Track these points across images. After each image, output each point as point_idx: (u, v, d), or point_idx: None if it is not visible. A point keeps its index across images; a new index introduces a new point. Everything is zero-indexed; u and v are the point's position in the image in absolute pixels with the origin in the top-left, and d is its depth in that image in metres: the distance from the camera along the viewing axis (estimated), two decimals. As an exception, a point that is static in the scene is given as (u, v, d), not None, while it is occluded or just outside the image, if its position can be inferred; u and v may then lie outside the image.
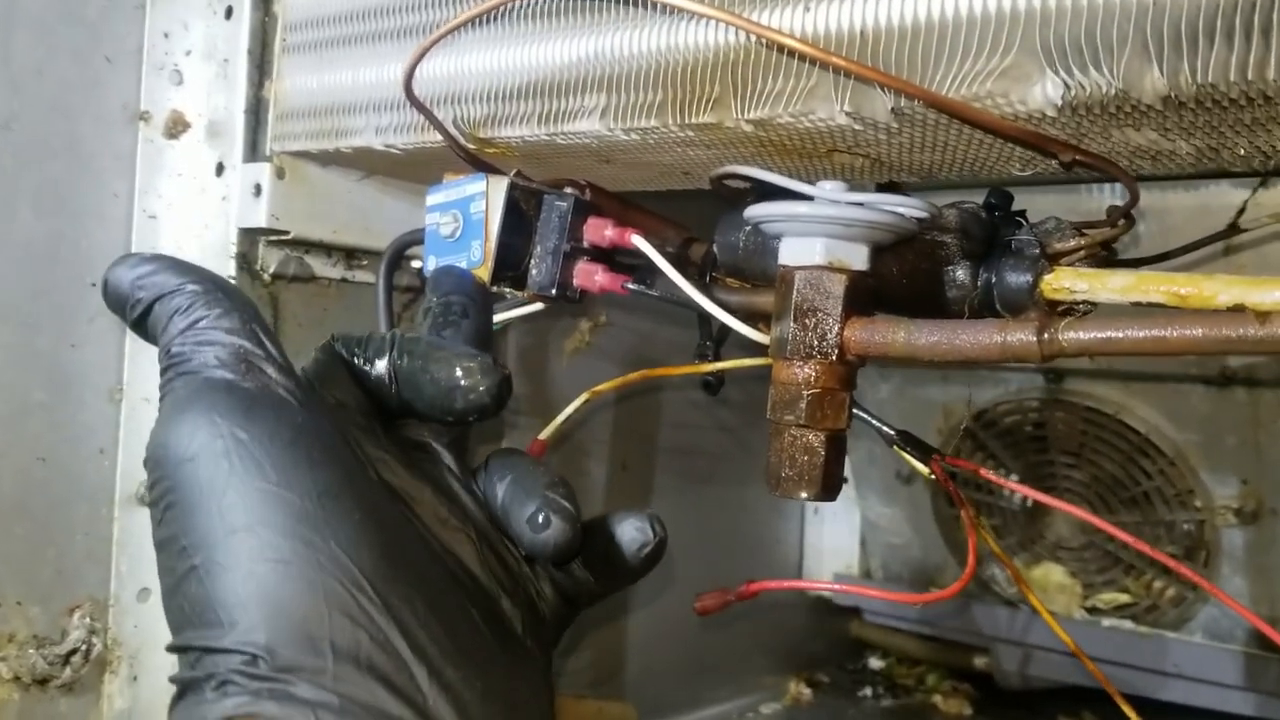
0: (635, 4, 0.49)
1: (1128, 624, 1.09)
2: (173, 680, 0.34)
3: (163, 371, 0.38)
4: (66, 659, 0.64)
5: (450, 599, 0.38)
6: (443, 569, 0.39)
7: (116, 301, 0.40)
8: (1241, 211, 0.77)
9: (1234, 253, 0.80)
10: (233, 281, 0.41)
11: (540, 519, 0.40)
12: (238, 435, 0.35)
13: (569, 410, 0.55)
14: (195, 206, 0.69)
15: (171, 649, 0.34)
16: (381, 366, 0.42)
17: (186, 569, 0.33)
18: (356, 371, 0.42)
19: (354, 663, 0.32)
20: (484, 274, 0.54)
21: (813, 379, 0.47)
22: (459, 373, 0.41)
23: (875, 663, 1.34)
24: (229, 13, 0.69)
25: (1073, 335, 0.43)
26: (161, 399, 0.37)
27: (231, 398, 0.36)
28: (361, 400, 0.42)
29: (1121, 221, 0.52)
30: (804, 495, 0.48)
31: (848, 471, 1.26)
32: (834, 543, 1.30)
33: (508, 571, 0.41)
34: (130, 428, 0.67)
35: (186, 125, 0.69)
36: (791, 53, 0.44)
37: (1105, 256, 0.54)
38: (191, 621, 0.33)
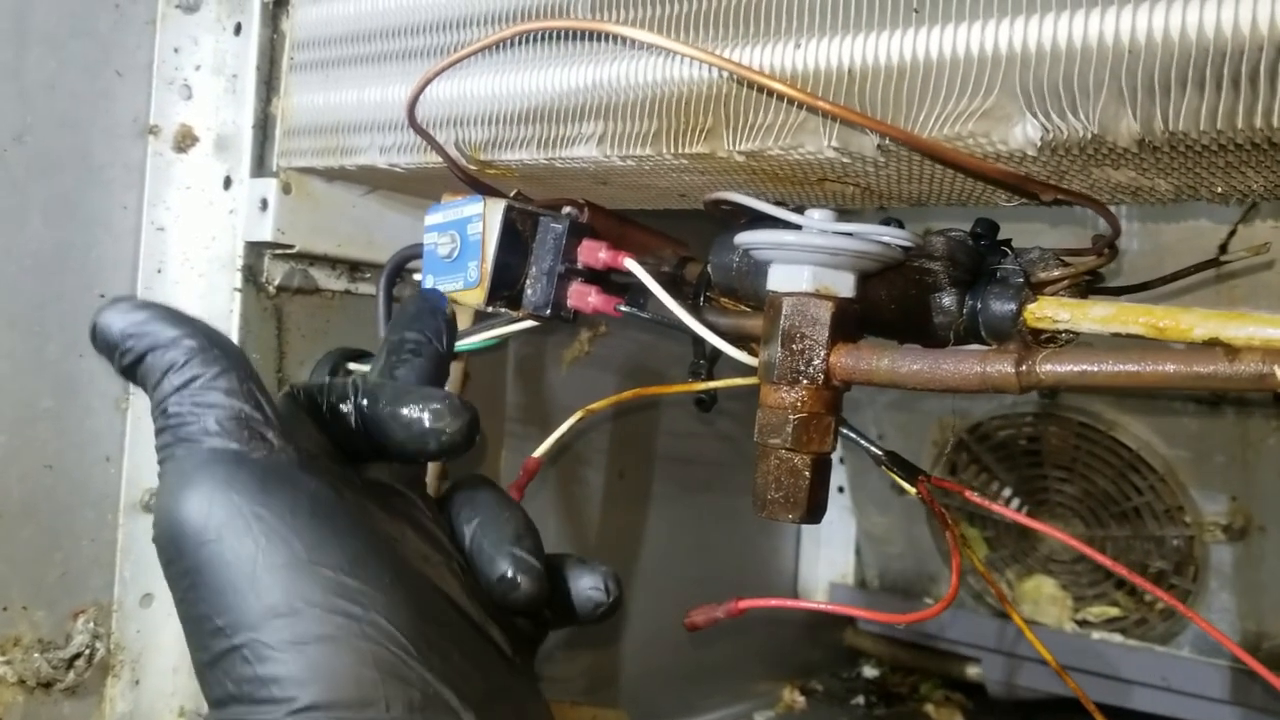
0: (633, 44, 0.50)
1: (1117, 637, 1.10)
2: None
3: (159, 432, 0.37)
4: (70, 663, 0.65)
5: (471, 639, 0.39)
6: (455, 611, 0.40)
7: (105, 347, 0.39)
8: (1232, 234, 0.78)
9: (1227, 279, 0.81)
10: (229, 337, 0.40)
11: (510, 578, 0.41)
12: (258, 513, 0.35)
13: (563, 429, 0.56)
14: (202, 219, 0.70)
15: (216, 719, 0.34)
16: (347, 411, 0.42)
17: (226, 649, 0.33)
18: (320, 419, 0.42)
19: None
20: (480, 294, 0.55)
21: (799, 404, 0.49)
22: (429, 416, 0.41)
23: (869, 671, 1.35)
24: (238, 29, 0.70)
25: (1049, 368, 0.44)
26: (162, 463, 0.37)
27: (243, 472, 0.35)
28: (329, 448, 0.41)
29: (1105, 251, 0.54)
30: (789, 518, 0.49)
31: (844, 481, 1.27)
32: (830, 552, 1.32)
33: (490, 597, 0.42)
34: (136, 436, 0.69)
35: (195, 139, 0.71)
36: (779, 95, 0.45)
37: (1090, 282, 0.55)
38: (238, 698, 0.33)
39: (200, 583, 0.34)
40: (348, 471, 0.41)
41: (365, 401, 0.42)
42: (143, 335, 0.37)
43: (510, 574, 0.41)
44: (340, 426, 0.42)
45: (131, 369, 0.38)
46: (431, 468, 0.67)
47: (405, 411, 0.41)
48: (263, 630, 0.33)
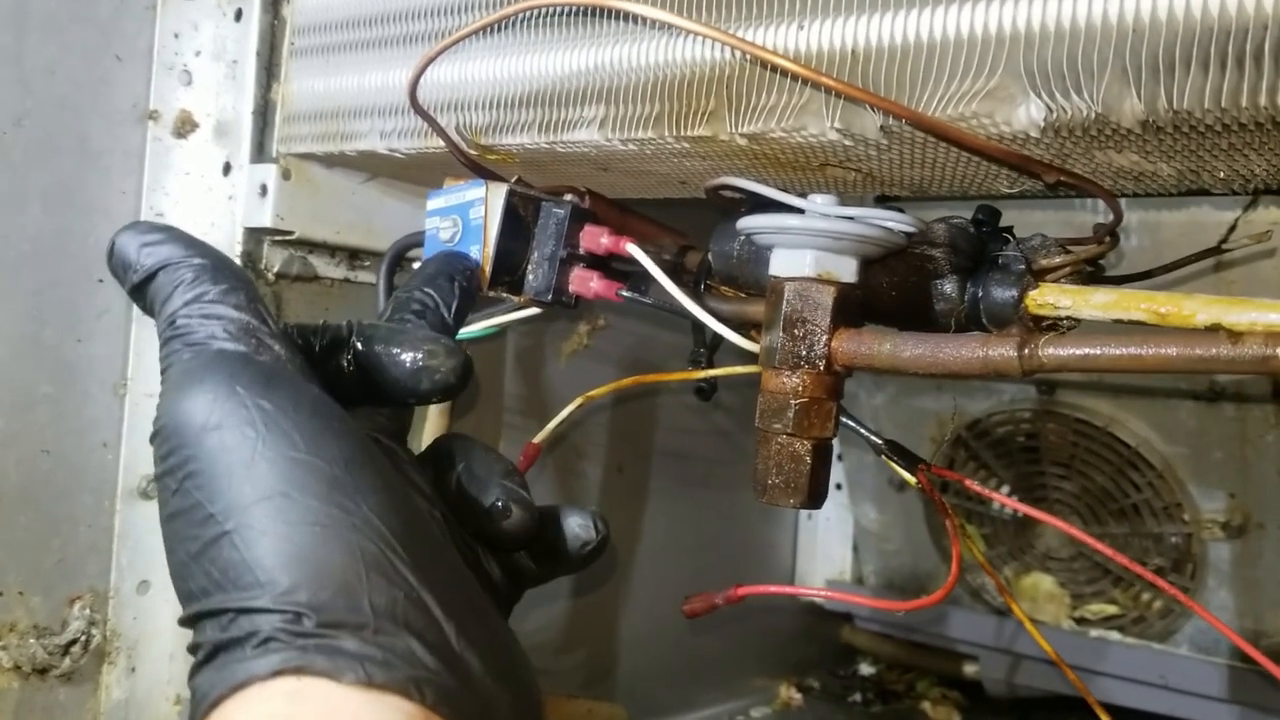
0: (634, 20, 0.50)
1: (1115, 635, 1.10)
2: (195, 646, 0.34)
3: (165, 341, 0.38)
4: (66, 649, 0.65)
5: (457, 564, 0.39)
6: (442, 536, 0.40)
7: (120, 265, 0.40)
8: (1233, 229, 0.78)
9: (1225, 269, 0.81)
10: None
11: (501, 507, 0.42)
12: (262, 405, 0.35)
13: (563, 415, 0.56)
14: (202, 205, 0.70)
15: (191, 616, 0.34)
16: (339, 353, 0.42)
17: (215, 535, 0.34)
18: (314, 359, 0.42)
19: (391, 619, 0.33)
20: (482, 279, 0.55)
21: (800, 388, 0.49)
22: (422, 355, 0.42)
23: (865, 668, 1.35)
24: (238, 15, 0.70)
25: (1052, 351, 0.44)
26: (166, 369, 0.38)
27: (250, 369, 0.36)
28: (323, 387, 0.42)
29: (1107, 239, 0.53)
30: (790, 503, 0.49)
31: (841, 478, 1.27)
32: (827, 548, 1.31)
33: (469, 550, 0.43)
34: (134, 422, 0.68)
35: (195, 125, 0.71)
36: (783, 71, 0.45)
37: (1091, 272, 0.55)
38: (222, 585, 0.33)
39: (199, 470, 0.34)
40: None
41: (359, 341, 0.42)
42: (157, 254, 0.39)
43: (501, 502, 0.42)
44: (333, 366, 0.42)
45: (142, 287, 0.39)
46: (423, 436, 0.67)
47: (398, 350, 0.42)
48: (253, 514, 0.33)
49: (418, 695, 0.32)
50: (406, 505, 0.38)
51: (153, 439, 0.37)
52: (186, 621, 0.34)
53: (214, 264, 0.39)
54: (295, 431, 0.35)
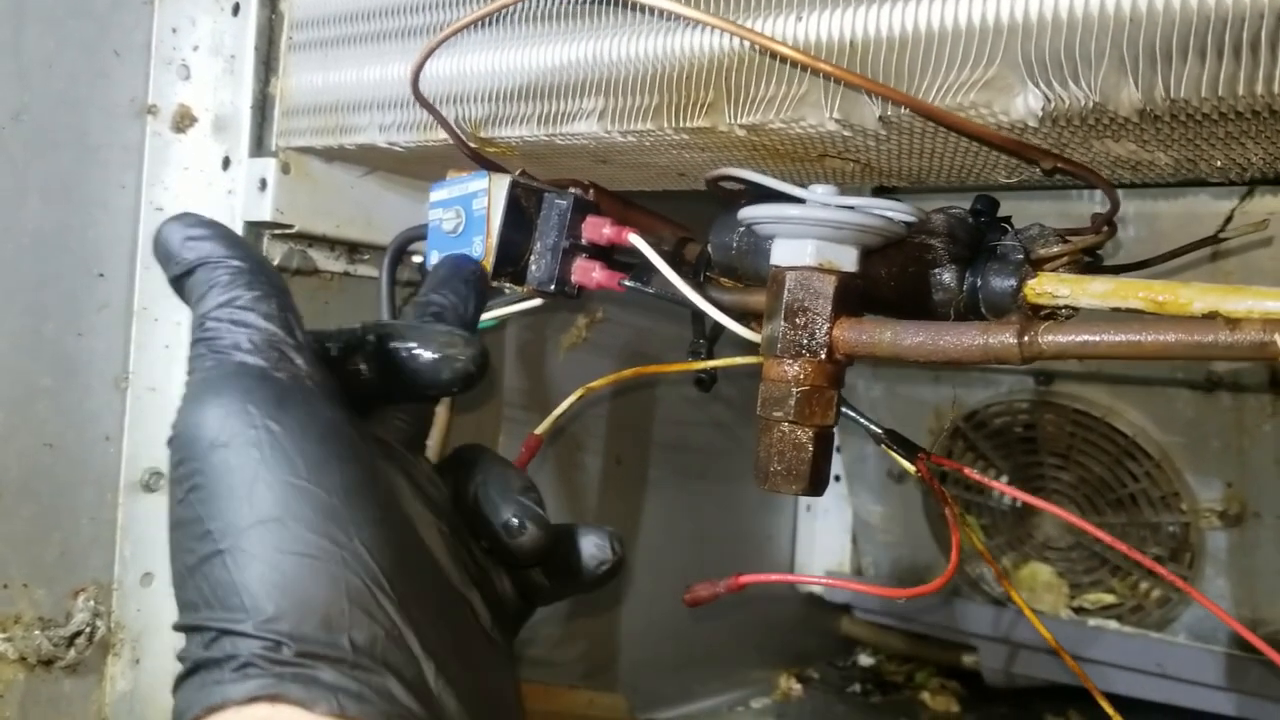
0: (634, 8, 0.50)
1: (1113, 624, 1.10)
2: (181, 657, 0.34)
3: (194, 344, 0.38)
4: (71, 641, 0.65)
5: (447, 598, 0.39)
6: (436, 569, 0.40)
7: (162, 255, 0.40)
8: (1229, 219, 0.78)
9: (1221, 259, 0.81)
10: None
11: (516, 524, 0.42)
12: (270, 427, 0.35)
13: (564, 406, 0.56)
14: (201, 200, 0.70)
15: (182, 627, 0.35)
16: (354, 356, 0.42)
17: (210, 552, 0.34)
18: (330, 365, 0.42)
19: (370, 655, 0.33)
20: (485, 269, 0.55)
21: (802, 376, 0.49)
22: (441, 345, 0.42)
23: (865, 659, 1.35)
24: (236, 10, 0.70)
25: (1051, 338, 0.44)
26: (190, 373, 0.38)
27: (265, 387, 0.36)
28: (341, 392, 0.42)
29: (1105, 228, 0.54)
30: (792, 490, 0.49)
31: (840, 469, 1.27)
32: (826, 540, 1.32)
33: (476, 566, 0.43)
34: (135, 415, 0.68)
35: (193, 120, 0.71)
36: (782, 59, 0.45)
37: (1089, 262, 0.55)
38: (210, 603, 0.33)
39: (202, 484, 0.35)
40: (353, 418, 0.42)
41: (375, 339, 0.42)
42: (198, 250, 0.39)
43: (516, 520, 0.42)
44: (349, 369, 0.42)
45: (180, 280, 0.39)
46: (435, 441, 0.67)
47: (416, 343, 0.42)
48: (247, 537, 0.34)
49: None
50: (403, 539, 0.38)
51: (169, 443, 0.37)
52: (178, 629, 0.35)
53: (251, 268, 0.39)
54: (299, 456, 0.35)
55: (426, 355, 0.42)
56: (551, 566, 0.45)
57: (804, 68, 0.45)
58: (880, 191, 0.71)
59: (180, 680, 0.34)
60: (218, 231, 0.40)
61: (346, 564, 0.34)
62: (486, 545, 0.43)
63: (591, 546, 0.45)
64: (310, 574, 0.34)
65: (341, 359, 0.42)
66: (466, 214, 0.56)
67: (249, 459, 0.35)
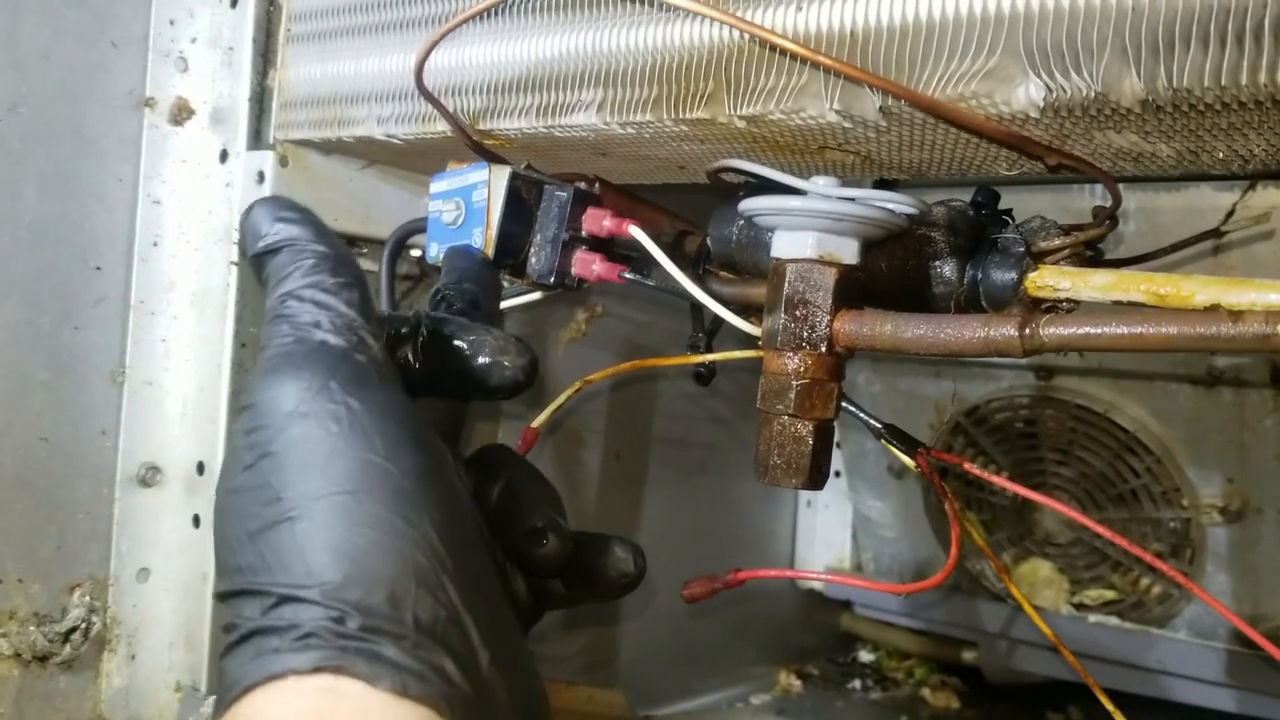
0: (635, 5, 0.50)
1: (1114, 620, 1.10)
2: (230, 625, 0.34)
3: (273, 319, 0.38)
4: (66, 636, 0.65)
5: (496, 592, 0.39)
6: (488, 562, 0.40)
7: (250, 232, 0.41)
8: (1231, 213, 0.78)
9: (1223, 252, 0.81)
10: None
11: (539, 535, 0.42)
12: (351, 404, 0.36)
13: (561, 399, 0.56)
14: (199, 192, 0.70)
15: (231, 592, 0.34)
16: (405, 344, 0.43)
17: (278, 517, 0.34)
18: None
19: (431, 636, 0.33)
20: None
21: (802, 369, 0.49)
22: (495, 349, 0.42)
23: (865, 656, 1.35)
24: (234, 1, 0.70)
25: (1053, 331, 0.44)
26: (265, 347, 0.38)
27: (346, 365, 0.37)
28: None
29: (1106, 222, 0.53)
30: (792, 484, 0.49)
31: (840, 465, 1.27)
32: (826, 536, 1.31)
33: (498, 565, 0.42)
34: (132, 410, 0.68)
35: (191, 112, 0.70)
36: (782, 51, 0.45)
37: (1091, 256, 0.55)
38: (272, 568, 0.33)
39: (278, 453, 0.35)
40: None
41: (429, 331, 0.42)
42: (287, 232, 0.40)
43: (540, 526, 0.42)
44: (399, 357, 0.43)
45: (263, 257, 0.40)
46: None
47: (471, 344, 0.42)
48: (319, 506, 0.34)
49: (447, 711, 0.32)
50: (464, 529, 0.38)
51: (241, 411, 0.37)
52: (224, 596, 0.34)
53: (336, 255, 0.40)
54: (376, 435, 0.35)
55: (480, 358, 0.42)
56: (570, 575, 0.45)
57: (803, 60, 0.44)
58: (882, 184, 0.71)
59: (231, 647, 0.33)
60: (307, 217, 0.41)
61: (416, 544, 0.34)
62: (504, 547, 0.43)
63: (616, 559, 0.45)
64: (380, 549, 0.34)
65: (391, 347, 0.43)
66: (466, 206, 0.56)
67: (328, 432, 0.35)
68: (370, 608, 0.32)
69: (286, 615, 0.32)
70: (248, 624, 0.33)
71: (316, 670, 0.31)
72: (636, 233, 0.55)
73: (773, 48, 0.45)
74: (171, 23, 0.70)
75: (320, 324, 0.38)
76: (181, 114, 0.70)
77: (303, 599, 0.32)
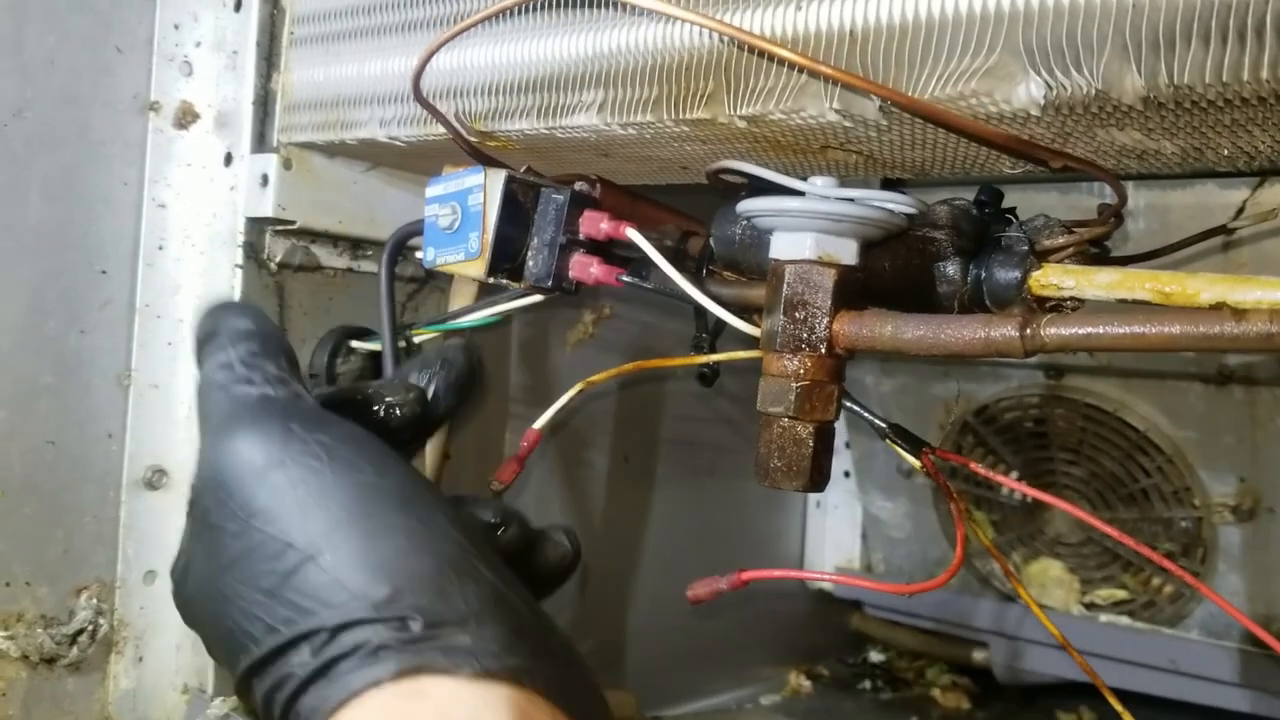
0: (631, 10, 0.49)
1: (1125, 620, 1.09)
2: (284, 676, 0.33)
3: (204, 392, 0.39)
4: (73, 639, 0.65)
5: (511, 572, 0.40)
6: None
7: (195, 334, 0.42)
8: (1241, 210, 0.78)
9: (1233, 249, 0.80)
10: (268, 315, 0.43)
11: (494, 522, 0.43)
12: (322, 439, 0.36)
13: (562, 401, 0.56)
14: (204, 196, 0.70)
15: (277, 649, 0.33)
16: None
17: (297, 563, 0.34)
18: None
19: (487, 613, 0.34)
20: (481, 265, 0.55)
21: (802, 371, 0.48)
22: (381, 400, 0.43)
23: (875, 656, 1.34)
24: (238, 5, 0.70)
25: (1054, 331, 0.43)
26: (206, 418, 0.38)
27: (297, 409, 0.37)
28: None
29: (1111, 220, 0.53)
30: (792, 486, 0.49)
31: (850, 466, 1.26)
32: (836, 536, 1.31)
33: None
34: (138, 413, 0.68)
35: (196, 116, 0.71)
36: (780, 61, 0.45)
37: (1096, 254, 0.54)
38: (311, 610, 0.33)
39: (266, 507, 0.35)
40: None
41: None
42: (216, 320, 0.41)
43: (495, 519, 0.42)
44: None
45: (200, 348, 0.41)
46: (431, 452, 0.67)
47: (372, 403, 0.43)
48: (335, 537, 0.34)
49: (528, 681, 0.33)
50: (465, 519, 0.39)
51: (198, 491, 0.37)
52: (258, 666, 0.34)
53: (262, 331, 0.40)
54: (358, 459, 0.36)
55: (380, 412, 0.43)
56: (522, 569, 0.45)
57: (801, 69, 0.44)
58: (888, 184, 0.70)
59: (304, 686, 0.33)
60: (245, 309, 0.42)
61: (439, 538, 0.35)
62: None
63: (551, 543, 0.45)
64: (411, 551, 0.34)
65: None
66: (462, 210, 0.56)
67: (312, 470, 0.35)
68: (425, 605, 0.33)
69: (346, 641, 0.33)
70: (305, 668, 0.33)
71: (399, 675, 0.32)
72: (633, 235, 0.55)
73: (770, 59, 0.45)
74: (176, 27, 0.70)
75: (254, 380, 0.38)
76: (186, 118, 0.70)
77: (359, 620, 0.33)
